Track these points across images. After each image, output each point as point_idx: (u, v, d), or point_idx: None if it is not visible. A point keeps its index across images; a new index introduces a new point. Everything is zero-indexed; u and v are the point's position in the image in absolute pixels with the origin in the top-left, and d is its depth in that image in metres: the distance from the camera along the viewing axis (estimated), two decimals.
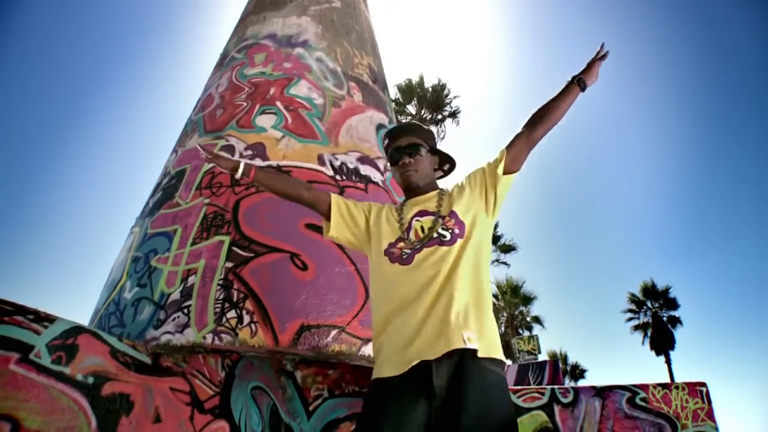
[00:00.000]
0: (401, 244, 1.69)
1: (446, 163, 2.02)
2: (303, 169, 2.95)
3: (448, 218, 1.70)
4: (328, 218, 1.86)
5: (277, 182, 1.93)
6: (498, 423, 1.41)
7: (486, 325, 1.57)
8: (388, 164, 1.87)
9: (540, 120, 1.86)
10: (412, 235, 1.70)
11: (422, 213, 1.76)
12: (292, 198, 1.89)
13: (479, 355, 1.47)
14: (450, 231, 1.67)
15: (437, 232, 1.67)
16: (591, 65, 2.00)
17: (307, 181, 2.89)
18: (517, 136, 1.85)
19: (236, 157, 2.91)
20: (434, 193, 1.84)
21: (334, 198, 1.86)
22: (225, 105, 3.40)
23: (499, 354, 1.54)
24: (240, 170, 1.83)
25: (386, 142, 1.92)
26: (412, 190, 1.86)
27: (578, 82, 1.93)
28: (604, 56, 2.04)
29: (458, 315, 1.51)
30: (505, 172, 1.80)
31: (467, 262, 1.62)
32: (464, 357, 1.46)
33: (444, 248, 1.63)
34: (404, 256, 1.65)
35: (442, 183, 2.00)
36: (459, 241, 1.65)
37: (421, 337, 1.49)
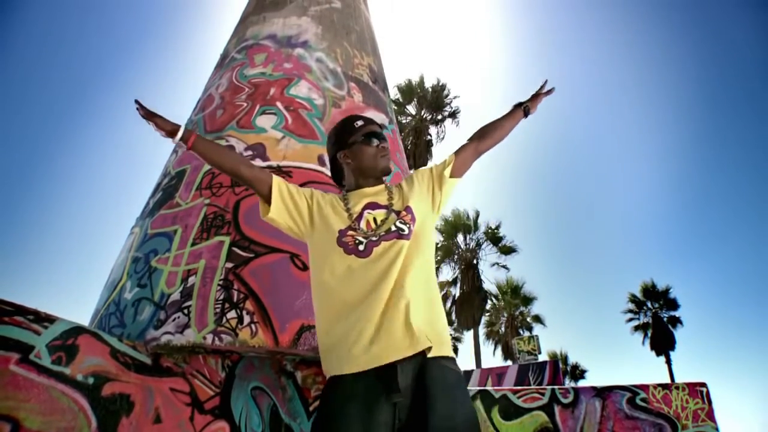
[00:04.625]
0: (351, 233, 1.64)
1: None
2: (303, 170, 2.96)
3: (404, 213, 1.69)
4: (267, 200, 1.74)
5: (216, 154, 1.75)
6: (465, 422, 1.43)
7: (440, 323, 1.59)
8: (355, 142, 1.79)
9: (487, 135, 1.99)
10: (363, 225, 1.66)
11: (373, 205, 1.73)
12: (231, 173, 1.75)
13: (437, 354, 1.49)
14: (408, 225, 1.66)
15: (396, 225, 1.65)
16: (536, 97, 2.16)
17: (307, 182, 2.92)
18: (466, 145, 1.95)
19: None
20: (381, 187, 1.81)
21: (276, 180, 1.74)
22: (225, 105, 3.40)
23: (451, 352, 1.58)
24: (179, 135, 1.67)
25: (359, 123, 1.84)
26: (374, 179, 1.82)
27: (524, 109, 2.10)
28: (549, 92, 2.20)
29: (418, 314, 1.51)
30: (451, 176, 1.86)
31: (421, 257, 1.63)
32: (425, 356, 1.47)
33: (403, 242, 1.61)
34: (360, 248, 1.61)
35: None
36: (414, 236, 1.65)
37: (384, 336, 1.46)
